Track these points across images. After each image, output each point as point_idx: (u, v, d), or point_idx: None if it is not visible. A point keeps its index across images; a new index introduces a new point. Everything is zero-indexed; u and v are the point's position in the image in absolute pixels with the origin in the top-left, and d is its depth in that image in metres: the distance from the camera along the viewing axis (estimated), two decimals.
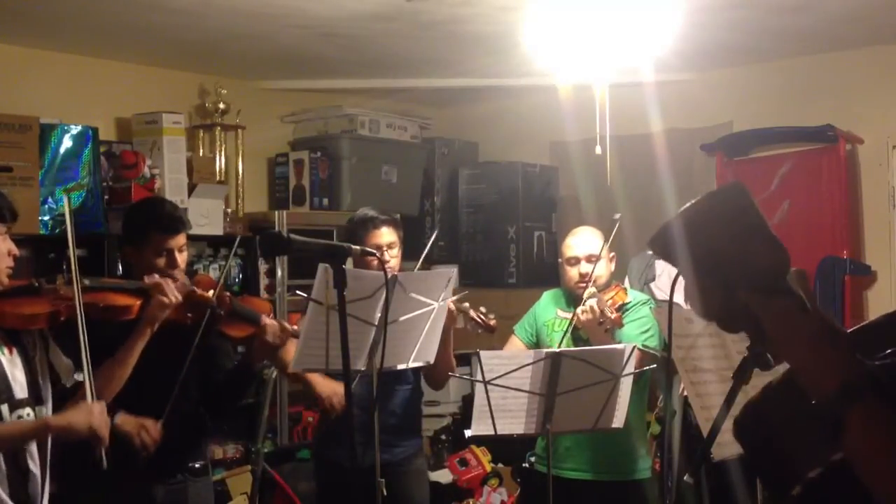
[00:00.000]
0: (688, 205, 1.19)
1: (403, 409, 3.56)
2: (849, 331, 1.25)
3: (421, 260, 3.52)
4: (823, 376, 1.14)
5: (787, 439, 1.25)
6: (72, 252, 2.53)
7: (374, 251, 3.03)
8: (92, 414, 2.37)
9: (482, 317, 3.45)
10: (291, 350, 3.07)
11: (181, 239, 2.96)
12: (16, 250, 2.40)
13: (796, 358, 1.18)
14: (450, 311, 3.30)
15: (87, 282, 2.62)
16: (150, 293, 2.78)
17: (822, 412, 1.13)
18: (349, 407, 2.55)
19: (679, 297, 1.47)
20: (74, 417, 2.36)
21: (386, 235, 3.46)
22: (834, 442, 1.14)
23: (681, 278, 1.25)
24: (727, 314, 1.19)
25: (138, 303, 2.76)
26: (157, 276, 2.84)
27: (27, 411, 2.37)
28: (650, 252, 4.65)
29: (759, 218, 1.17)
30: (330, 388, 3.43)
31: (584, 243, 3.60)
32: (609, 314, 3.34)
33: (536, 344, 3.68)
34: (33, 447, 2.38)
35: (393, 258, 3.45)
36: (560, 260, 3.74)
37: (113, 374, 2.70)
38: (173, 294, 2.78)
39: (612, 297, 3.50)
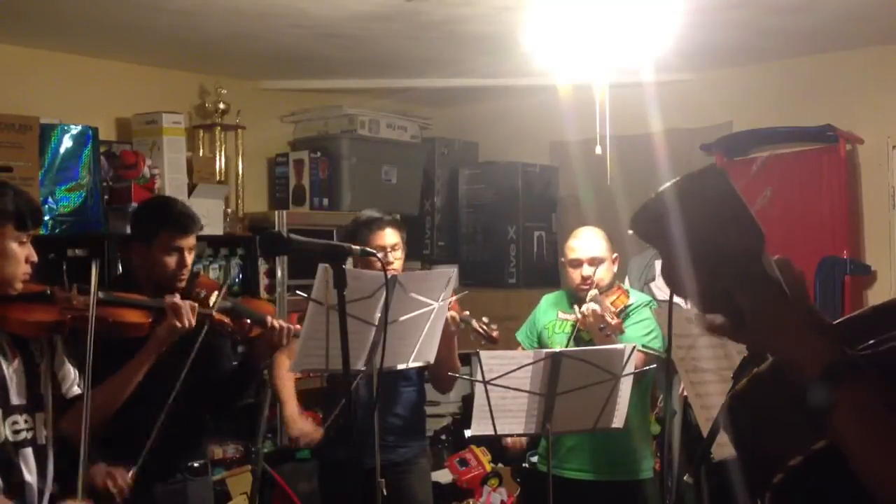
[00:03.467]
0: (666, 186, 1.19)
1: (408, 410, 3.56)
2: (833, 323, 1.25)
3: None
4: (806, 361, 1.15)
5: (772, 428, 1.25)
6: (93, 285, 2.50)
7: (375, 252, 3.02)
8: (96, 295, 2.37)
9: (485, 328, 3.46)
10: (288, 351, 3.09)
11: (192, 239, 2.96)
12: (34, 257, 2.38)
13: (776, 344, 1.18)
14: (450, 320, 3.31)
15: (101, 295, 2.58)
16: (166, 314, 2.76)
17: (806, 397, 1.14)
18: (352, 408, 2.55)
19: (679, 297, 1.47)
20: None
21: (390, 236, 3.46)
22: (817, 428, 1.15)
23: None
24: (704, 297, 1.20)
25: (149, 321, 2.75)
26: (177, 298, 2.81)
27: (23, 417, 2.36)
28: (649, 252, 4.66)
29: (737, 201, 1.17)
30: (300, 430, 3.52)
31: (586, 245, 3.60)
32: (610, 320, 3.33)
33: (540, 347, 3.67)
34: (29, 458, 2.36)
35: (396, 259, 3.46)
36: (562, 260, 3.74)
37: (116, 391, 2.69)
38: (188, 320, 2.77)
39: (613, 301, 3.50)
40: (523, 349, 3.73)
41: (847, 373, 1.12)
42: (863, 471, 1.12)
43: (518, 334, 3.81)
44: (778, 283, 1.16)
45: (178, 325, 2.75)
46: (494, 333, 3.48)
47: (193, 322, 2.79)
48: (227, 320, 2.93)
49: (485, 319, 3.50)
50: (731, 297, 1.16)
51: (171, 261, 2.90)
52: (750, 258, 1.15)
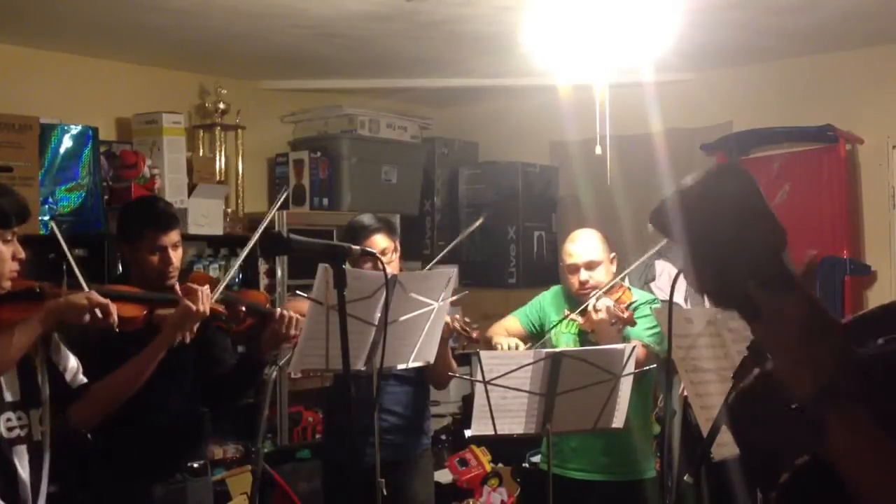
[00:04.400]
0: (688, 180, 1.19)
1: (406, 408, 3.56)
2: (843, 321, 1.25)
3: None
4: (803, 377, 1.15)
5: (778, 427, 1.25)
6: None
7: (373, 251, 3.02)
8: (89, 291, 2.34)
9: (465, 328, 3.44)
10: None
11: (174, 236, 2.96)
12: (21, 254, 2.36)
13: (778, 354, 1.18)
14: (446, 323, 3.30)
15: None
16: (164, 304, 2.76)
17: (804, 413, 1.14)
18: (351, 408, 2.55)
19: (679, 297, 1.48)
20: (70, 297, 2.35)
21: (380, 243, 3.43)
22: (816, 441, 1.15)
23: (681, 277, 1.25)
24: (720, 291, 1.19)
25: (143, 314, 2.75)
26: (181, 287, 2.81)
27: (17, 414, 2.35)
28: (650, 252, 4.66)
29: (759, 198, 1.16)
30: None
31: (583, 250, 3.58)
32: (620, 313, 3.33)
33: (538, 333, 3.66)
34: (24, 455, 2.35)
35: (388, 263, 3.43)
36: (561, 265, 3.73)
37: (129, 380, 2.67)
38: (204, 304, 2.76)
39: (618, 298, 3.50)
40: (516, 321, 3.72)
41: (841, 390, 1.12)
42: (857, 489, 1.12)
43: (517, 312, 3.77)
44: (796, 280, 1.16)
45: (194, 308, 2.74)
46: (475, 334, 3.47)
47: (208, 309, 2.78)
48: (221, 309, 2.93)
49: (466, 319, 3.48)
50: (746, 294, 1.16)
51: (156, 259, 2.91)
52: (769, 255, 1.15)
